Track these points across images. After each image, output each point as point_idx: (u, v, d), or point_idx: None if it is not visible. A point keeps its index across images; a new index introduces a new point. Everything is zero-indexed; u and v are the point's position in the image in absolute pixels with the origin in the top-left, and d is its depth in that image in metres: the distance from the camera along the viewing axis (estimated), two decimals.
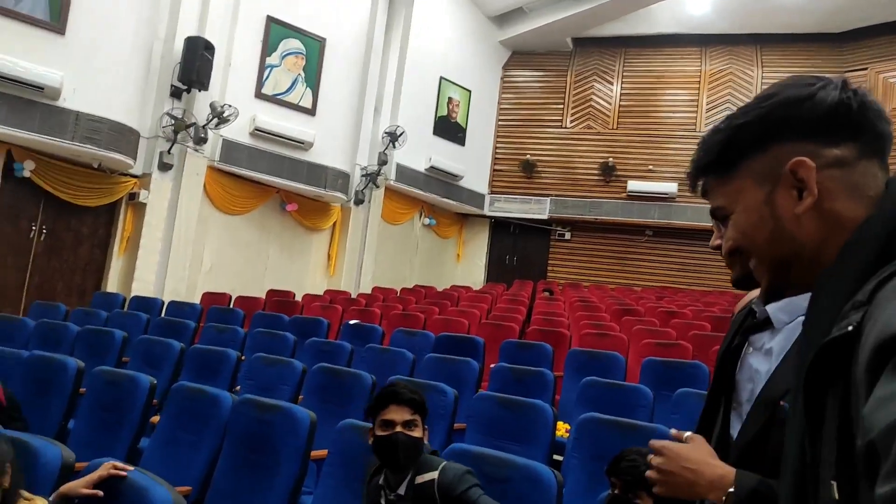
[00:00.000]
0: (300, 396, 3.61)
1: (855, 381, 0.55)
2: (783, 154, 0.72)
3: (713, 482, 0.94)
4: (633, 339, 5.44)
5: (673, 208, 11.50)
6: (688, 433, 1.04)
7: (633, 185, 11.71)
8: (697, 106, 12.00)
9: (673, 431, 1.06)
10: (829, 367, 0.59)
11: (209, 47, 7.88)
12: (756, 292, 1.19)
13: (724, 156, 0.78)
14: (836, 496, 0.54)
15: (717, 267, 11.23)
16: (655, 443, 1.02)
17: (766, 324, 1.08)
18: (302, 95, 9.50)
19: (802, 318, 1.00)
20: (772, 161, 0.73)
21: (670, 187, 11.51)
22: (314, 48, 9.63)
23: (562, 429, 3.72)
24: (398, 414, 1.91)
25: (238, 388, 3.92)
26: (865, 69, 11.11)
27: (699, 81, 12.11)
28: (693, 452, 0.98)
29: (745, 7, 11.30)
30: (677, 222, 11.41)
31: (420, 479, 1.90)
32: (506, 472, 2.00)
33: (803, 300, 1.09)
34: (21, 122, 6.51)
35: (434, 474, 1.88)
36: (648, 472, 1.01)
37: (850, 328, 0.56)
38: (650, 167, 11.85)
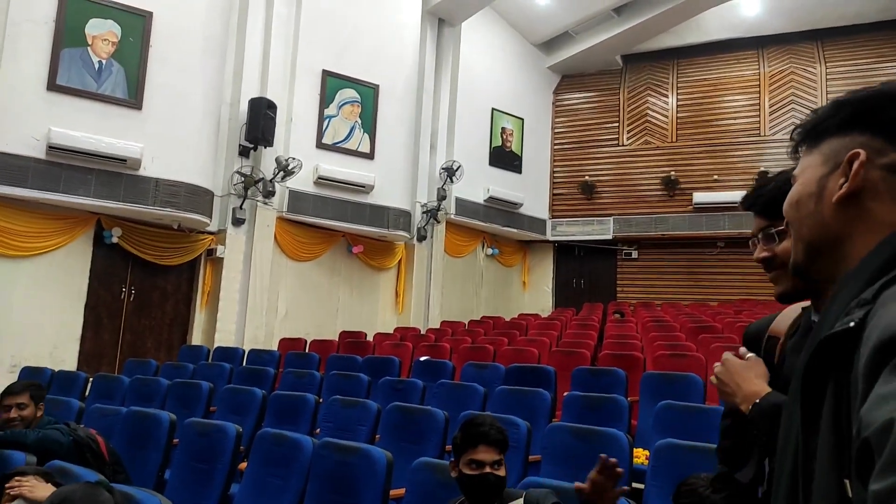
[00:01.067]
0: (377, 436, 3.71)
1: (854, 377, 0.55)
2: (853, 142, 0.72)
3: (748, 395, 1.09)
4: (712, 358, 5.26)
5: (744, 217, 11.08)
6: (750, 354, 1.17)
7: (699, 197, 11.41)
8: (760, 109, 11.65)
9: (741, 350, 1.19)
10: (829, 361, 0.60)
11: (271, 106, 8.35)
12: (792, 308, 1.20)
13: (817, 128, 0.78)
14: (850, 494, 0.54)
15: None
16: (724, 355, 1.15)
17: None
18: (360, 141, 9.85)
19: None
20: (842, 145, 0.73)
21: (739, 196, 11.11)
22: (368, 95, 10.00)
23: (641, 455, 3.64)
24: (487, 454, 1.94)
25: (318, 430, 4.06)
26: None
27: (759, 84, 11.77)
28: (745, 370, 1.11)
29: (801, 4, 10.98)
30: (750, 231, 10.97)
31: None
32: None
33: None
34: (108, 193, 7.07)
35: (519, 502, 1.93)
36: (711, 378, 1.16)
37: (851, 324, 0.57)
38: (715, 177, 11.54)
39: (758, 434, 1.07)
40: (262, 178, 8.37)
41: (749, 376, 1.10)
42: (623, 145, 12.49)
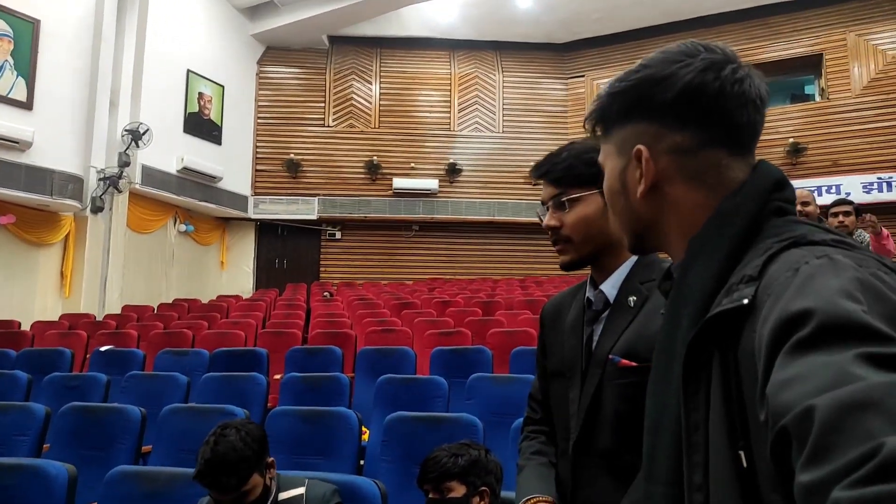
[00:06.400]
0: (45, 446, 2.96)
1: (743, 353, 0.57)
2: (636, 133, 0.73)
3: None
4: (416, 331, 5.54)
5: (436, 203, 12.09)
6: None
7: (398, 183, 12.04)
8: (450, 106, 12.76)
9: None
10: (715, 337, 0.60)
11: None
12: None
13: (602, 117, 0.78)
14: (746, 464, 0.56)
15: (479, 256, 12.10)
16: None
17: (606, 307, 1.12)
18: (13, 86, 7.92)
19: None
20: (627, 136, 0.74)
21: (432, 183, 12.09)
22: (25, 31, 8.10)
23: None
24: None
25: None
26: (583, 76, 12.87)
27: (450, 83, 12.88)
28: None
29: (486, 17, 12.31)
30: (440, 216, 12.03)
31: (284, 495, 1.75)
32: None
33: (622, 273, 1.16)
34: None
35: (301, 490, 1.74)
36: None
37: (745, 301, 0.57)
38: (412, 165, 12.30)
39: None
40: None
41: None
42: (329, 126, 12.48)
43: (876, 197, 10.27)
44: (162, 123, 9.72)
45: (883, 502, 0.38)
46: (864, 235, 4.22)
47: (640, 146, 0.72)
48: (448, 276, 11.74)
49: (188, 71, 10.68)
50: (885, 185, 10.32)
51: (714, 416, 0.59)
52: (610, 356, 1.09)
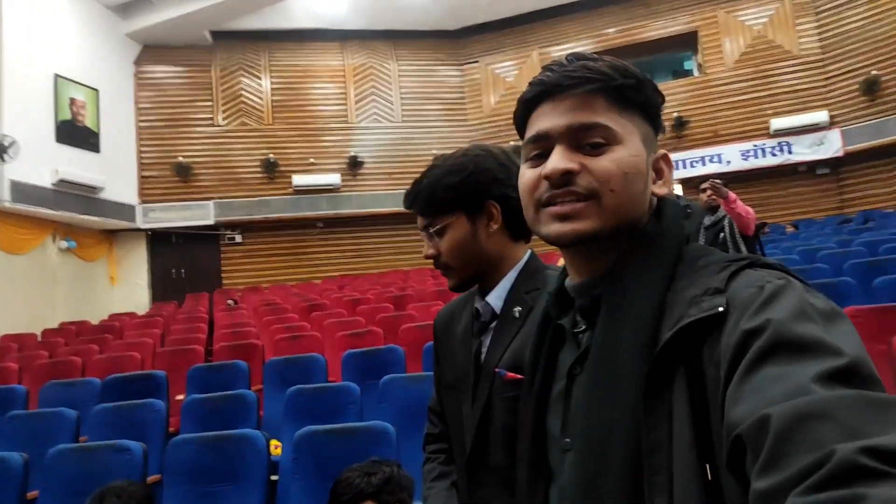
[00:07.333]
0: None
1: (708, 365, 0.58)
2: (645, 128, 0.75)
3: None
4: (326, 334, 5.41)
5: (339, 198, 11.86)
6: None
7: (298, 180, 11.70)
8: (346, 98, 12.51)
9: None
10: (679, 350, 0.61)
11: None
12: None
13: (624, 92, 0.74)
14: (710, 477, 0.57)
15: (388, 249, 11.99)
16: None
17: (493, 318, 1.11)
18: None
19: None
20: (647, 132, 0.76)
21: (334, 178, 11.84)
22: None
23: (270, 446, 3.47)
24: None
25: None
26: (477, 62, 12.99)
27: (344, 75, 12.62)
28: None
29: (375, 7, 12.12)
30: (345, 211, 11.82)
31: None
32: None
33: (507, 284, 1.14)
34: None
35: None
36: None
37: (720, 309, 0.59)
38: (311, 160, 11.98)
39: None
40: None
41: None
42: (219, 125, 11.89)
43: (753, 163, 11.06)
44: (31, 134, 8.91)
45: None
46: (723, 211, 4.58)
47: (665, 153, 0.76)
48: (358, 272, 11.58)
49: (56, 76, 9.82)
50: (760, 151, 11.12)
51: (679, 432, 0.59)
52: (496, 369, 1.07)
